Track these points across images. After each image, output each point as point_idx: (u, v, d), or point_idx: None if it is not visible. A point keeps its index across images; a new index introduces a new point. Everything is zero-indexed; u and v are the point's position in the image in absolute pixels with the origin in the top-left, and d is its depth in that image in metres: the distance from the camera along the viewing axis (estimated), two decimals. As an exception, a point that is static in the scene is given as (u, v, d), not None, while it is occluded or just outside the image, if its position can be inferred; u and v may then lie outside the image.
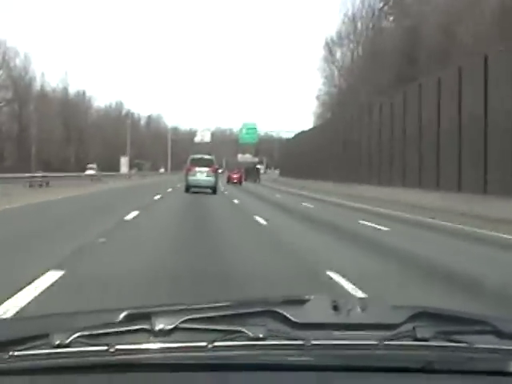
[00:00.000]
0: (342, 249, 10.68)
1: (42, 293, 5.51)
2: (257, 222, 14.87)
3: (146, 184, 45.21)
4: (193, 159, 30.39)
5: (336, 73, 65.23)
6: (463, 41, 40.04)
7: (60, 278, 6.22)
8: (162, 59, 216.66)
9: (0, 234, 10.42)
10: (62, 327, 1.28)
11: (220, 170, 62.35)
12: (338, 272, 7.26)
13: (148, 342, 1.25)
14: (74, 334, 1.23)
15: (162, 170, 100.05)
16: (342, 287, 6.51)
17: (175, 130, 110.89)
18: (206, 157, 31.54)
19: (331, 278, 6.99)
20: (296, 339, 1.28)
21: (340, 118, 49.42)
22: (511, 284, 7.00)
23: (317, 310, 1.38)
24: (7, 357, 1.21)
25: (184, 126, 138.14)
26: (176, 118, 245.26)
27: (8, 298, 5.14)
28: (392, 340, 1.31)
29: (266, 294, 5.37)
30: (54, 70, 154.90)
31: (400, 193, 29.06)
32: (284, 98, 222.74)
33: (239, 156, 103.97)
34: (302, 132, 64.96)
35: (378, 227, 14.84)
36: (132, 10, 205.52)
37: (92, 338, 1.23)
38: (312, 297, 1.43)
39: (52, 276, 6.25)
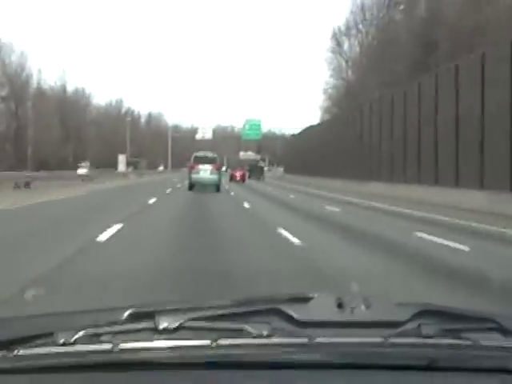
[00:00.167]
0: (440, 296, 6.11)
1: None
2: (287, 241, 10.25)
3: (143, 183, 40.40)
4: (196, 157, 29.77)
5: (344, 65, 60.79)
6: (487, 27, 35.72)
7: None
8: (162, 56, 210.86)
9: None
10: (67, 326, 1.25)
11: (223, 168, 58.82)
12: None
13: (152, 341, 1.22)
14: (78, 332, 1.20)
15: (161, 168, 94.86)
16: None
17: (176, 127, 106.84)
18: (210, 154, 30.76)
19: None
20: (300, 337, 1.25)
21: (350, 111, 44.79)
22: None
23: (321, 308, 1.33)
24: (12, 355, 1.19)
25: (185, 123, 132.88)
26: (177, 115, 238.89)
27: None
28: (397, 338, 1.27)
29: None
30: (51, 67, 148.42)
31: (432, 192, 24.51)
32: (288, 93, 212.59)
33: (241, 153, 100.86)
34: (310, 127, 60.19)
35: (453, 245, 10.36)
36: (132, 6, 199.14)
37: (96, 337, 1.21)
38: (316, 295, 1.38)
39: None
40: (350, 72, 61.01)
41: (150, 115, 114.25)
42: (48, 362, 1.19)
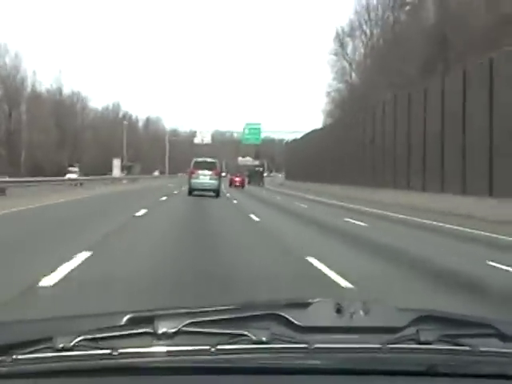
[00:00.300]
0: None
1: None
2: (333, 283, 6.64)
3: (136, 190, 36.65)
4: (196, 162, 29.41)
5: (347, 67, 57.44)
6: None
7: None
8: (161, 60, 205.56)
9: None
10: (66, 330, 1.23)
11: (223, 174, 55.69)
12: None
13: (151, 346, 1.20)
14: (77, 337, 1.18)
15: (157, 173, 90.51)
16: None
17: (174, 132, 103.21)
18: (210, 160, 30.35)
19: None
20: (300, 343, 1.23)
21: (359, 113, 41.30)
22: None
23: (320, 314, 1.32)
24: (11, 360, 1.17)
25: (183, 128, 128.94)
26: (175, 120, 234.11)
27: None
28: (396, 343, 1.26)
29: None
30: (47, 69, 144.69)
31: (459, 202, 21.06)
32: (287, 98, 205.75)
33: (239, 159, 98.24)
34: (313, 131, 56.59)
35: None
36: (130, 8, 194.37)
37: (95, 342, 1.19)
38: (315, 300, 1.38)
39: None
40: (353, 74, 57.69)
41: (147, 120, 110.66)
42: (47, 366, 1.16)
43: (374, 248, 10.36)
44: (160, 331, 1.19)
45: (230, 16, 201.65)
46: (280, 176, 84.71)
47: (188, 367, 1.18)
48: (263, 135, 71.17)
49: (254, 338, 1.20)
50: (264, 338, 1.20)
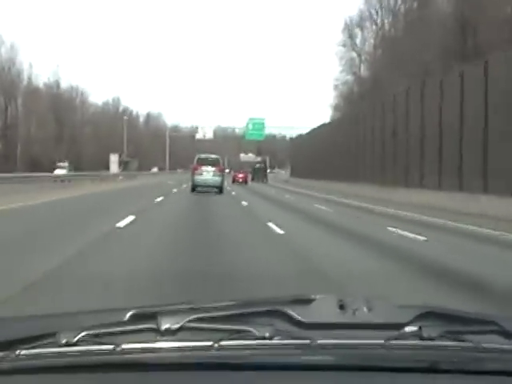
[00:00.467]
0: None
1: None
2: None
3: (133, 188, 32.58)
4: (199, 159, 28.78)
5: (356, 58, 53.52)
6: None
7: None
8: (162, 54, 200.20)
9: None
10: (69, 326, 1.21)
11: (227, 170, 52.09)
12: None
13: (154, 342, 1.17)
14: (80, 333, 1.16)
15: (155, 170, 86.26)
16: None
17: (175, 127, 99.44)
18: (213, 156, 29.76)
19: None
20: (302, 339, 1.21)
21: (368, 106, 37.35)
22: None
23: (323, 310, 1.30)
24: (14, 356, 1.15)
25: (185, 124, 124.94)
26: (176, 116, 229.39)
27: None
28: (398, 340, 1.24)
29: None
30: (44, 64, 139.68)
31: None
32: (291, 93, 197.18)
33: (242, 155, 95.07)
34: (320, 126, 52.57)
35: None
36: (131, 2, 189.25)
37: (99, 337, 1.17)
38: (318, 296, 1.35)
39: None
40: (362, 66, 53.82)
41: (148, 115, 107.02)
42: (50, 362, 1.15)
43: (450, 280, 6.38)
44: (163, 327, 1.17)
45: (232, 7, 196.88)
46: (283, 173, 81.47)
47: (191, 363, 1.16)
48: (266, 131, 67.33)
49: (257, 333, 1.18)
50: (267, 334, 1.18)
